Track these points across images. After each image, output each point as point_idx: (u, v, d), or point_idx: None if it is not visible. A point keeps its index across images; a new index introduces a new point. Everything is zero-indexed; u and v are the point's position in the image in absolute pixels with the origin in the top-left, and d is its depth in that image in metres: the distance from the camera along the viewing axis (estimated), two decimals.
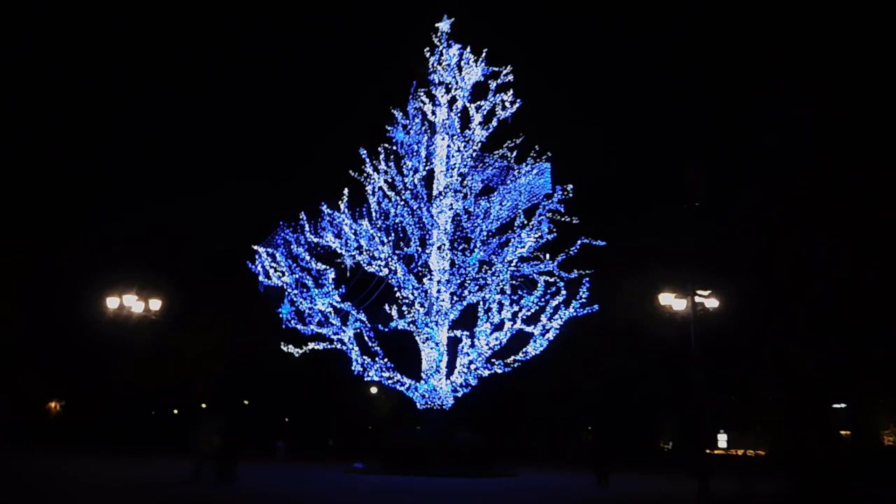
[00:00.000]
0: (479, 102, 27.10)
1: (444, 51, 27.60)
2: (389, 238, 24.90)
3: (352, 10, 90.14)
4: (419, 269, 25.43)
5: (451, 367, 25.09)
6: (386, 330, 24.64)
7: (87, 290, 38.75)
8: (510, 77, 27.04)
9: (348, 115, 75.22)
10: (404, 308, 24.69)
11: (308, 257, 24.32)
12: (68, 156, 65.15)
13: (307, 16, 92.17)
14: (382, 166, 25.89)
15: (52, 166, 59.89)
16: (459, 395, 25.02)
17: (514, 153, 26.18)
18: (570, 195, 25.08)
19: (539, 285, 24.70)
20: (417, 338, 25.23)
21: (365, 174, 25.82)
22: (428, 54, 27.68)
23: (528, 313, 24.66)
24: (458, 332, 24.68)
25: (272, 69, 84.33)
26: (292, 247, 24.37)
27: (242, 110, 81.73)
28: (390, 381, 24.73)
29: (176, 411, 60.40)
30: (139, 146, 74.14)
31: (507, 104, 26.73)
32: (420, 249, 25.41)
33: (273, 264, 24.26)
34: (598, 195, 44.24)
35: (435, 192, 26.15)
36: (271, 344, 27.65)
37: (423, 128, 26.65)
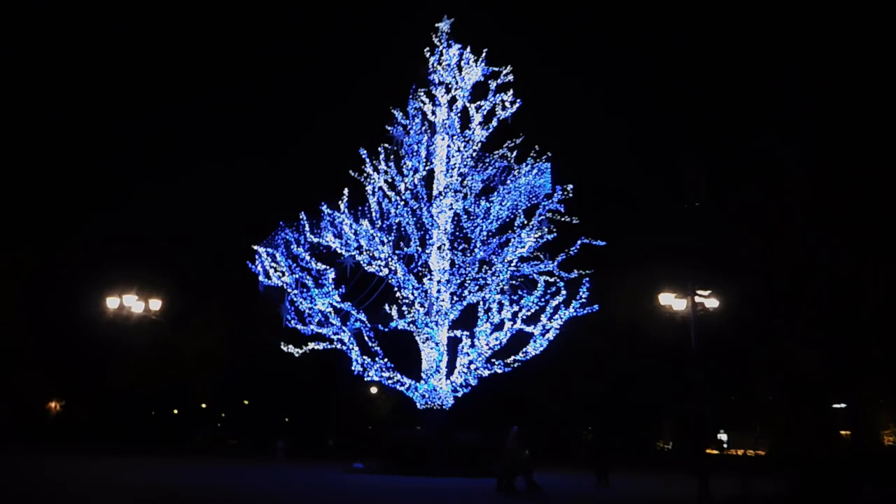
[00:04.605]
0: (479, 102, 27.09)
1: (444, 51, 27.59)
2: (389, 238, 24.88)
3: (352, 10, 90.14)
4: (419, 269, 25.42)
5: (451, 367, 25.07)
6: (386, 330, 24.61)
7: (88, 290, 38.83)
8: (510, 77, 27.05)
9: (348, 115, 75.25)
10: (404, 308, 24.68)
11: (308, 257, 24.31)
12: (68, 155, 65.14)
13: (308, 15, 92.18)
14: (382, 166, 25.87)
15: (52, 166, 59.90)
16: (459, 395, 25.00)
17: (514, 153, 26.15)
18: (570, 195, 25.06)
19: (539, 285, 24.69)
20: (417, 338, 25.22)
21: (365, 174, 25.81)
22: (428, 54, 27.67)
23: (528, 313, 24.64)
24: (458, 332, 24.66)
25: (272, 69, 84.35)
26: (292, 247, 24.35)
27: (242, 109, 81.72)
28: (390, 381, 24.71)
29: (176, 411, 60.41)
30: (139, 146, 74.13)
31: (507, 104, 26.72)
32: (420, 249, 25.39)
33: (273, 264, 24.23)
34: (598, 195, 44.33)
35: (435, 192, 26.13)
36: (271, 344, 27.64)
37: (423, 128, 26.63)
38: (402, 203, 25.44)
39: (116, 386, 46.66)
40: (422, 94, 27.15)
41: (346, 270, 24.52)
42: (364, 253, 24.64)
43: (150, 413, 56.96)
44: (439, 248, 25.33)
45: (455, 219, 25.94)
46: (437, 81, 27.44)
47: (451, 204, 25.78)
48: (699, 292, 18.37)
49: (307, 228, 24.46)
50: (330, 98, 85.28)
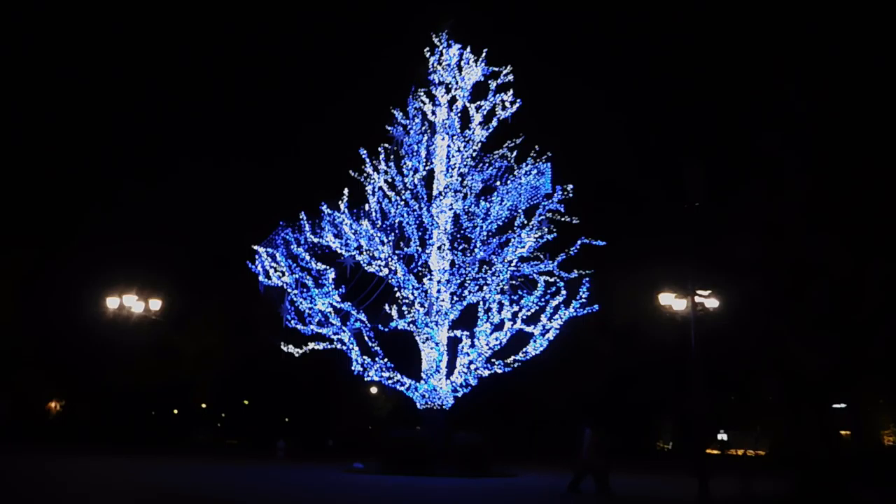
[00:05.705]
0: (479, 102, 27.11)
1: (444, 51, 27.60)
2: (389, 238, 24.89)
3: (352, 9, 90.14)
4: (419, 269, 25.43)
5: (451, 367, 25.08)
6: (386, 330, 24.62)
7: (88, 290, 38.86)
8: (510, 77, 27.07)
9: (348, 115, 75.26)
10: (404, 308, 24.68)
11: (308, 257, 24.31)
12: (68, 155, 65.11)
13: (308, 14, 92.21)
14: (382, 166, 25.89)
15: (52, 166, 59.80)
16: (459, 395, 25.01)
17: (514, 153, 26.17)
18: (570, 195, 25.09)
19: (539, 285, 24.71)
20: (417, 338, 25.22)
21: (365, 174, 25.82)
22: (428, 54, 27.69)
23: (528, 313, 24.66)
24: (458, 332, 24.67)
25: (272, 69, 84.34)
26: (292, 247, 24.35)
27: (242, 110, 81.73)
28: (390, 381, 24.72)
29: (176, 411, 60.45)
30: (139, 146, 74.12)
31: (507, 104, 26.75)
32: (420, 249, 25.40)
33: (273, 264, 24.23)
34: (598, 195, 44.35)
35: (435, 192, 26.14)
36: (271, 344, 27.66)
37: (423, 128, 26.65)
38: (402, 203, 25.45)
39: (116, 386, 46.68)
40: (422, 94, 27.17)
41: (346, 270, 24.53)
42: (364, 253, 24.64)
43: (151, 413, 56.99)
44: (439, 248, 25.34)
45: (455, 219, 25.96)
46: (437, 81, 27.46)
47: (451, 204, 25.79)
48: (699, 292, 18.38)
49: (307, 228, 24.47)
50: (330, 98, 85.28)
